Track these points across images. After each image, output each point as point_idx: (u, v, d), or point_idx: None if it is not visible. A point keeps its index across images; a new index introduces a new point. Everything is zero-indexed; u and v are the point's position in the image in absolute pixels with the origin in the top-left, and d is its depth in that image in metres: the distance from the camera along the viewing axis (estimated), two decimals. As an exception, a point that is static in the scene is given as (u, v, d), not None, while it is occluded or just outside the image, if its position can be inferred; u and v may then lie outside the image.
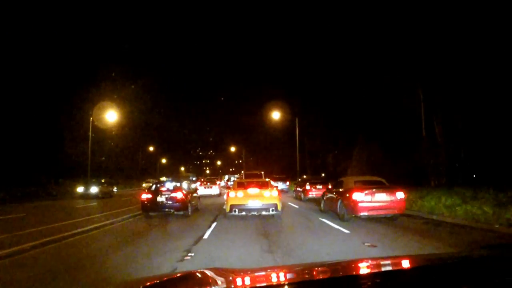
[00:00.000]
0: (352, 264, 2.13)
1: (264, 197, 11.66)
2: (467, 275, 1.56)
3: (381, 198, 10.32)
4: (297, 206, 16.78)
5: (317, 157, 41.68)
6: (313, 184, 19.70)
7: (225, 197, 12.21)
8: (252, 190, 11.88)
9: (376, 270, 1.86)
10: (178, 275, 1.97)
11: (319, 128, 39.16)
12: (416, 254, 5.31)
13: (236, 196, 11.80)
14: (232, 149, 70.49)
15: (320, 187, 19.10)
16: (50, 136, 30.80)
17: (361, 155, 29.82)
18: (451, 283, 1.44)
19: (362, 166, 28.31)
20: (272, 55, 69.82)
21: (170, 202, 12.34)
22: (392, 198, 10.39)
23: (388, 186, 11.03)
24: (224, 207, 12.52)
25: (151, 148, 58.42)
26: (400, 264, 2.01)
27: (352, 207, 10.22)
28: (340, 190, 11.50)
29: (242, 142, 59.38)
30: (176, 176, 50.40)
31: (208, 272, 1.82)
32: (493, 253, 2.36)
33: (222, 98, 70.12)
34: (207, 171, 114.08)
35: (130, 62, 46.34)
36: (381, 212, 10.35)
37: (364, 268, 1.98)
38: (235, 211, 11.58)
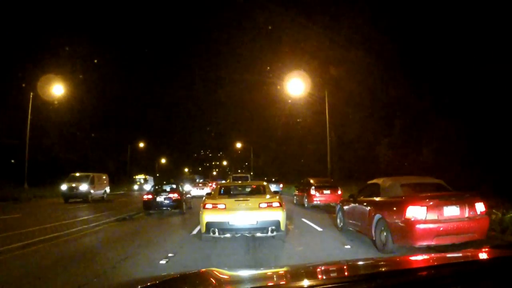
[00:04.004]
0: (352, 264, 2.15)
1: (259, 209, 7.45)
2: (469, 276, 1.50)
3: (452, 213, 6.06)
4: (301, 218, 12.40)
5: (358, 148, 27.02)
6: (319, 188, 16.24)
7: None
8: (241, 200, 7.75)
9: (376, 270, 1.83)
10: (177, 275, 1.92)
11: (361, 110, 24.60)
12: (418, 254, 4.52)
13: (215, 208, 7.63)
14: (239, 146, 65.57)
15: (328, 192, 16.02)
16: None
17: None
18: (452, 284, 1.43)
19: None
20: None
21: (168, 202, 14.15)
22: (470, 213, 6.14)
23: (457, 193, 6.75)
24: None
25: (141, 145, 53.28)
26: (400, 264, 2.01)
27: (406, 230, 5.90)
28: (378, 199, 7.11)
29: (253, 141, 54.06)
30: (178, 177, 46.27)
31: (207, 273, 1.80)
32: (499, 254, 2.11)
33: (226, 78, 62.20)
34: (214, 173, 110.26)
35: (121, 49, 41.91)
36: (453, 240, 6.05)
37: (364, 268, 1.99)
38: (213, 232, 7.41)
